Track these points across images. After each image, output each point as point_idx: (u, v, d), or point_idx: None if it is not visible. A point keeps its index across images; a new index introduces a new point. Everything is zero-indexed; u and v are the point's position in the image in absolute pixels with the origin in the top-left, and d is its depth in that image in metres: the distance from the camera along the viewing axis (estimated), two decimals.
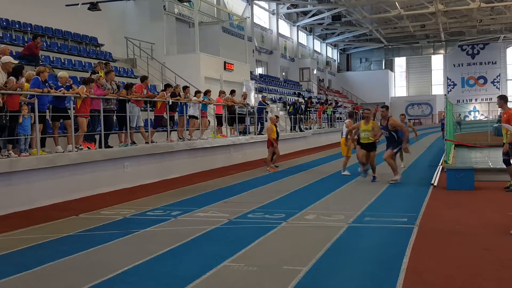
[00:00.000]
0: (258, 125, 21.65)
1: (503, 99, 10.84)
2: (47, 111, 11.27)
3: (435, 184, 12.05)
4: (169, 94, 15.04)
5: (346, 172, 14.35)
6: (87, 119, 11.79)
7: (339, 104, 43.24)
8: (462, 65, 61.21)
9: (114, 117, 13.20)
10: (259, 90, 30.64)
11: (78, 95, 11.24)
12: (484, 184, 11.59)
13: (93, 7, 17.90)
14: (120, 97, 12.93)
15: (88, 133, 11.92)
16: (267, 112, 23.45)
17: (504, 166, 11.03)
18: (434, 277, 5.36)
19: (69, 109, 11.27)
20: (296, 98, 30.79)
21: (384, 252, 6.38)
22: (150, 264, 5.99)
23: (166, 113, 14.86)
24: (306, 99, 31.44)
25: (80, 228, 8.02)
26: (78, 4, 17.55)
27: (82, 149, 11.52)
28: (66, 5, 17.59)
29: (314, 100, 37.57)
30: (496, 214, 8.75)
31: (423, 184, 12.23)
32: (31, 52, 14.59)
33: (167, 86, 15.73)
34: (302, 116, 27.50)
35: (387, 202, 10.01)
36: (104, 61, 15.97)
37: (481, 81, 60.89)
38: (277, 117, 16.98)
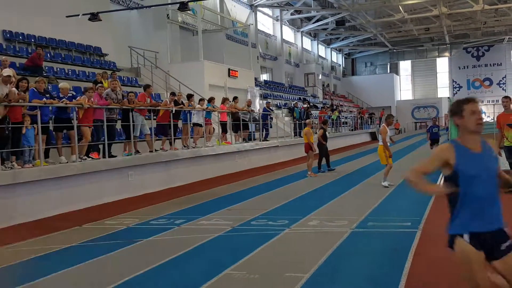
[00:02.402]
0: (263, 131, 21.61)
1: None
2: (50, 121, 11.32)
3: None
4: (172, 102, 15.07)
5: (386, 183, 12.48)
6: (91, 128, 11.82)
7: (344, 109, 43.10)
8: (467, 67, 60.95)
9: (118, 126, 13.22)
10: (264, 97, 30.62)
11: (81, 105, 11.28)
12: None
13: (94, 17, 17.96)
14: (124, 107, 12.96)
15: (91, 142, 11.94)
16: (271, 118, 23.41)
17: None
18: (436, 282, 5.33)
19: (72, 119, 11.31)
20: (295, 102, 30.61)
21: (387, 257, 6.36)
22: (153, 273, 6.00)
23: (170, 121, 14.88)
24: (304, 106, 31.09)
25: (84, 238, 8.04)
26: (78, 15, 17.59)
27: (85, 159, 11.54)
28: (67, 16, 17.65)
29: (319, 106, 37.48)
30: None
31: None
32: (34, 64, 14.71)
33: (172, 94, 15.83)
34: (301, 121, 27.26)
35: (391, 207, 9.97)
36: (108, 71, 16.06)
37: (487, 83, 60.59)
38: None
